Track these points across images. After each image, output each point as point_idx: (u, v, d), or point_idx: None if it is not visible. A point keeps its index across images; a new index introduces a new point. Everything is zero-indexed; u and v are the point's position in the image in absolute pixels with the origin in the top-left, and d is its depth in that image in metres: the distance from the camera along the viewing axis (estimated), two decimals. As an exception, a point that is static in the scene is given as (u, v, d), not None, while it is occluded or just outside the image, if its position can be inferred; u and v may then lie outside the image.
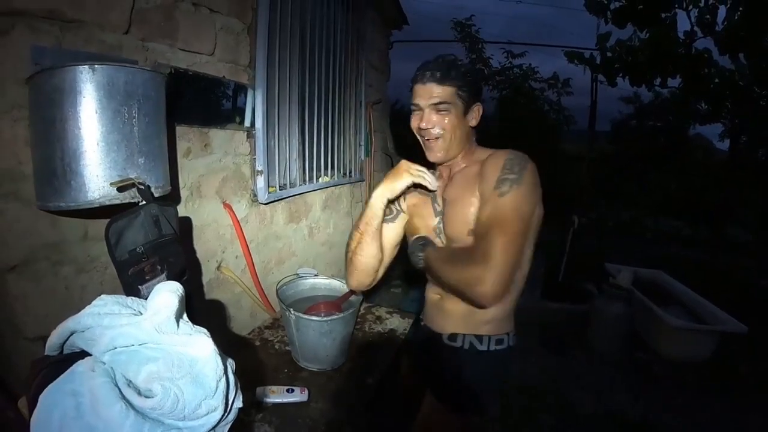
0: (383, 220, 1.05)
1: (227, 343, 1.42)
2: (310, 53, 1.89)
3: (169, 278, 0.88)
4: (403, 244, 1.11)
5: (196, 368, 0.53)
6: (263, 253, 1.68)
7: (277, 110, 1.65)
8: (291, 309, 1.26)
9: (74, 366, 0.50)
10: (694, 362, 2.63)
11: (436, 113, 0.93)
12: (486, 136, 1.04)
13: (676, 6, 4.22)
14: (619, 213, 6.88)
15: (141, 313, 0.58)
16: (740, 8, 3.88)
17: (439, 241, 1.01)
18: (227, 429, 0.56)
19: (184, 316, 0.60)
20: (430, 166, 1.04)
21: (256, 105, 1.52)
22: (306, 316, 1.25)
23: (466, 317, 0.99)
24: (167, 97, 0.96)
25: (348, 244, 1.09)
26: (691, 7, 4.21)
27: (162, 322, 0.54)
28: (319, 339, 1.26)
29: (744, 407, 2.27)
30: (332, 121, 2.17)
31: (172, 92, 1.03)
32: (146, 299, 0.60)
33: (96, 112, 0.78)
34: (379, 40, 2.83)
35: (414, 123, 0.98)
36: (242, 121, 1.49)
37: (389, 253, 1.11)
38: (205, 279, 1.38)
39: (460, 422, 1.03)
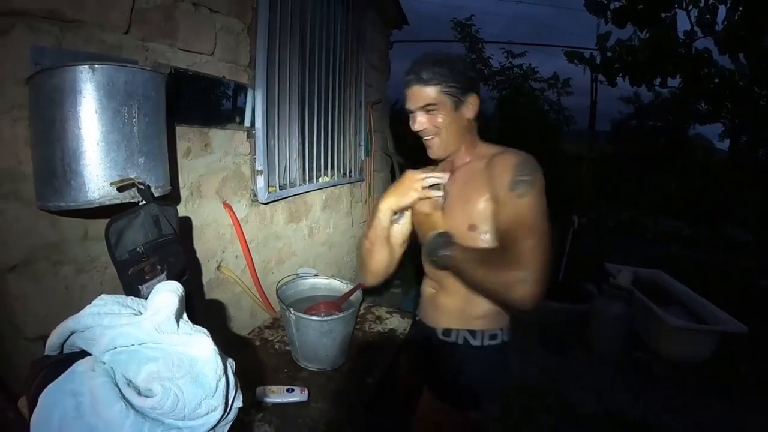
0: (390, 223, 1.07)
1: (227, 342, 1.42)
2: (310, 53, 1.89)
3: (169, 278, 0.88)
4: (413, 240, 1.12)
5: (196, 368, 0.53)
6: (263, 253, 1.68)
7: (277, 110, 1.65)
8: (291, 309, 1.26)
9: (74, 366, 0.50)
10: (694, 362, 2.63)
11: (426, 115, 0.95)
12: (486, 136, 1.04)
13: (676, 6, 4.21)
14: (619, 213, 6.86)
15: (141, 313, 0.58)
16: (740, 8, 3.88)
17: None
18: (227, 429, 0.56)
19: (184, 315, 0.60)
20: (434, 161, 1.05)
21: (256, 105, 1.52)
22: (306, 316, 1.25)
23: (459, 312, 1.01)
24: (167, 97, 0.96)
25: (359, 249, 1.10)
26: (691, 7, 4.21)
27: (162, 322, 0.54)
28: (319, 339, 1.26)
29: (744, 407, 2.27)
30: (332, 121, 2.17)
31: (172, 92, 1.03)
32: (146, 299, 0.60)
33: (96, 112, 0.78)
34: (379, 40, 2.83)
35: (410, 126, 1.00)
36: (242, 121, 1.50)
37: (399, 249, 1.13)
38: (205, 279, 1.38)
39: (458, 419, 1.04)
